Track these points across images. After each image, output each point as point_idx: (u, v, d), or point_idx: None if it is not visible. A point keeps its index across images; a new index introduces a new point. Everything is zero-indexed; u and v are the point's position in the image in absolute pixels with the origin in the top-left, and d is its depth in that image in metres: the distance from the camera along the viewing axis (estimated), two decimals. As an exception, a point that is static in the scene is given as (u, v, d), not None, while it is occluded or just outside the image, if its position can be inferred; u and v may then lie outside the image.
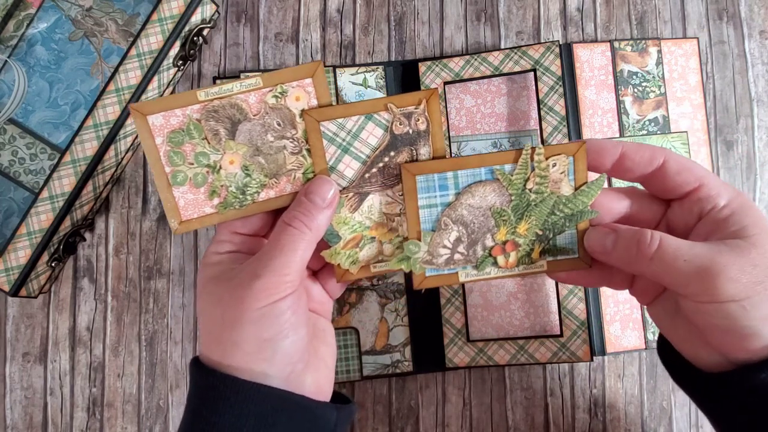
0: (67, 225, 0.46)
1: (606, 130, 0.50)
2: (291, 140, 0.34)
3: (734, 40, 0.53)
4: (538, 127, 0.48)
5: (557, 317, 0.48)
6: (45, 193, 0.45)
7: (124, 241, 0.50)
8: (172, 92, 0.51)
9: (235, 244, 0.35)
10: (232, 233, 0.35)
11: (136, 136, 0.49)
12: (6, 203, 0.46)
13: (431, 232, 0.35)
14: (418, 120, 0.34)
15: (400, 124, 0.34)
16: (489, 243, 0.35)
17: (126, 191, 0.51)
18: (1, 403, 0.49)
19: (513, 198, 0.35)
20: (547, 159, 0.34)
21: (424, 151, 0.35)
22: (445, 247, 0.35)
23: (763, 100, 0.52)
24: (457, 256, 0.36)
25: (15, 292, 0.45)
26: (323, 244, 0.35)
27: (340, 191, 0.35)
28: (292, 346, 0.31)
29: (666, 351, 0.36)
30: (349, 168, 0.35)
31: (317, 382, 0.33)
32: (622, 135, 0.50)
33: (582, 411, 0.50)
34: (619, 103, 0.50)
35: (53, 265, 0.47)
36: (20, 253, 0.45)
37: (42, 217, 0.45)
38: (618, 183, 0.49)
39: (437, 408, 0.50)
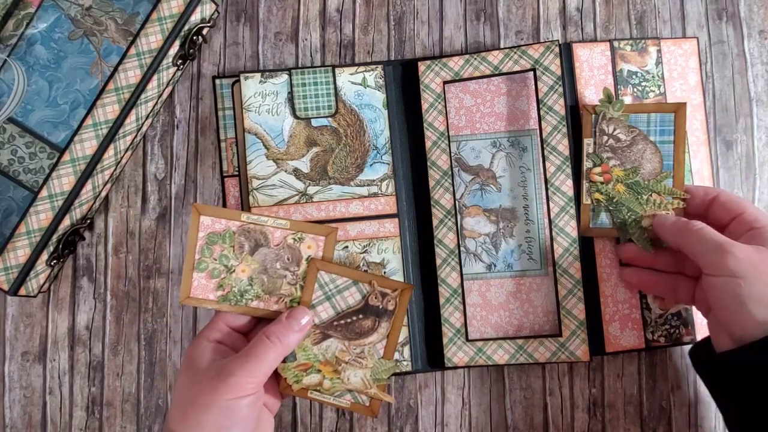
0: (66, 224, 0.46)
1: None
2: (292, 274, 0.44)
3: (734, 40, 0.53)
4: (537, 127, 0.48)
5: (556, 317, 0.48)
6: (44, 192, 0.45)
7: (123, 241, 0.50)
8: (172, 92, 0.51)
9: (223, 334, 0.42)
10: (225, 324, 0.43)
11: (135, 135, 0.49)
12: (5, 202, 0.46)
13: None
14: (389, 302, 0.44)
15: (375, 299, 0.44)
16: None
17: (125, 190, 0.51)
18: (0, 402, 0.49)
19: None
20: None
21: (384, 326, 0.44)
22: None
23: (763, 100, 0.52)
24: None
25: (14, 291, 0.45)
26: None
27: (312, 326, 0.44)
28: None
29: (697, 352, 0.43)
30: (325, 312, 0.44)
31: None
32: (621, 134, 0.50)
33: (581, 411, 0.50)
34: None
35: (52, 264, 0.47)
36: (19, 252, 0.45)
37: (41, 216, 0.45)
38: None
39: (436, 407, 0.50)
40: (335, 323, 0.44)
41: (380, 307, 0.44)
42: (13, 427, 0.49)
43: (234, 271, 0.43)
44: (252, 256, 0.43)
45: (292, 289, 0.43)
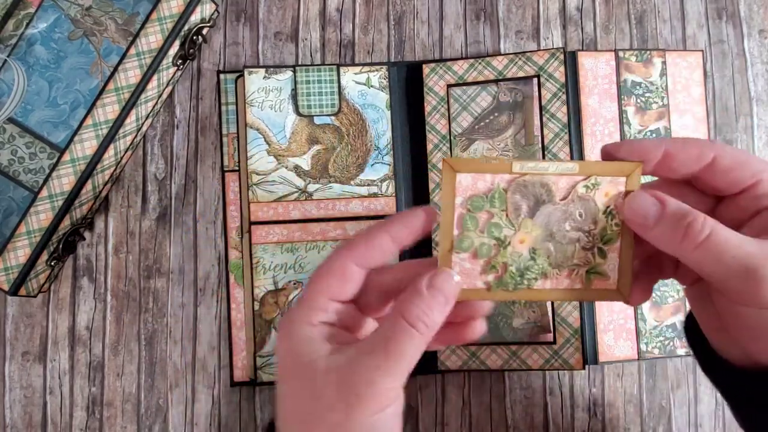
0: (66, 224, 0.46)
1: (607, 139, 0.50)
2: (587, 235, 0.32)
3: (733, 39, 0.53)
4: (539, 134, 0.48)
5: (551, 324, 0.47)
6: (44, 192, 0.45)
7: (123, 241, 0.50)
8: (172, 92, 0.51)
9: (330, 313, 0.31)
10: (329, 300, 0.31)
11: (135, 135, 0.49)
12: (5, 202, 0.46)
13: None
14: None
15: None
16: None
17: (125, 190, 0.51)
18: (1, 402, 0.49)
19: None
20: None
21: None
22: None
23: (763, 99, 0.52)
24: None
25: (14, 291, 0.45)
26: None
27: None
28: None
29: (693, 333, 0.34)
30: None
31: None
32: (622, 146, 0.50)
33: (581, 410, 0.50)
34: (621, 112, 0.50)
35: (53, 264, 0.47)
36: (19, 252, 0.45)
37: (41, 216, 0.45)
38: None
39: (436, 407, 0.50)
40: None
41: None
42: (14, 427, 0.49)
43: (509, 243, 0.32)
44: (532, 219, 0.32)
45: (587, 255, 0.32)
